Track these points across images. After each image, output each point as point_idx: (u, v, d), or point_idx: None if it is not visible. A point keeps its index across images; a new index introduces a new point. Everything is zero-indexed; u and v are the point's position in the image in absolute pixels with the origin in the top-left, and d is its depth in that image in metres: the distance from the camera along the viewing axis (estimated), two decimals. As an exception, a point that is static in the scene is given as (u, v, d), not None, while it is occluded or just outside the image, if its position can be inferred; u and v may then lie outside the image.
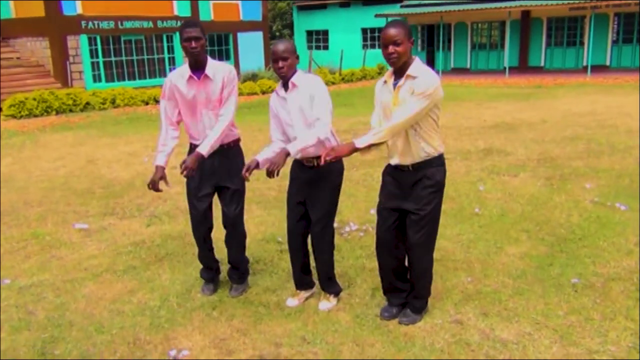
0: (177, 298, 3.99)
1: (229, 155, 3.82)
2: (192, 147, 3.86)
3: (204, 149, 3.62)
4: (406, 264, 3.60)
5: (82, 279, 4.36)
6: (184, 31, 3.60)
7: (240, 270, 4.08)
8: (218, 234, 4.11)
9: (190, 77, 3.70)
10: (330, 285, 3.85)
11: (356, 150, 3.16)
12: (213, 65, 3.72)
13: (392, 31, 3.13)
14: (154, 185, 3.74)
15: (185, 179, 3.78)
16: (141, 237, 5.27)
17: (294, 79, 3.51)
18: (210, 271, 4.12)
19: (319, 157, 3.54)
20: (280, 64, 3.45)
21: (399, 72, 3.23)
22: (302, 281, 3.92)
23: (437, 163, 3.32)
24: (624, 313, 3.56)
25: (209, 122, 3.76)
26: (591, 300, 3.75)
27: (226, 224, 3.96)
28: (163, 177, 3.75)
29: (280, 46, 3.46)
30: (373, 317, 3.63)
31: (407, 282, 3.65)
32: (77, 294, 4.11)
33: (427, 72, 3.19)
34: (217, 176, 3.84)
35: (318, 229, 3.67)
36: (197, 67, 3.69)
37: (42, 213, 6.14)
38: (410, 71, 3.18)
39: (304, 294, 3.93)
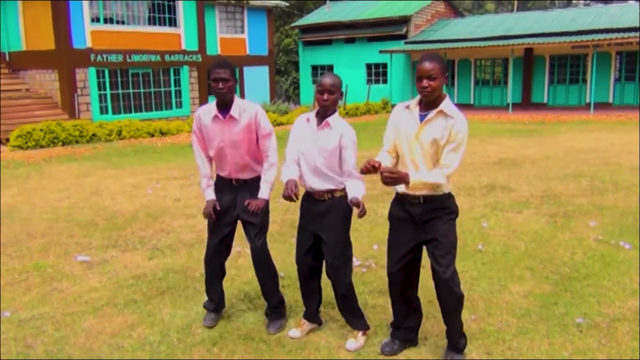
0: (178, 333, 3.96)
1: (251, 189, 3.84)
2: (219, 179, 3.93)
3: (265, 195, 3.81)
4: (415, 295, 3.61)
5: (83, 313, 4.34)
6: (214, 71, 3.65)
7: (271, 305, 4.02)
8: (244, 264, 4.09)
9: (216, 116, 3.75)
10: (359, 321, 3.78)
11: (407, 182, 3.12)
12: (240, 105, 3.76)
13: (428, 65, 3.13)
14: (210, 216, 3.87)
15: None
16: (143, 270, 5.25)
17: (330, 119, 3.56)
18: (213, 302, 4.10)
19: (329, 192, 3.57)
20: (326, 96, 3.51)
21: (428, 104, 3.24)
22: (312, 311, 3.89)
23: (447, 196, 3.34)
24: (629, 355, 3.51)
25: (233, 160, 3.81)
26: (596, 340, 3.70)
27: (254, 258, 3.96)
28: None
29: (329, 79, 3.52)
30: (375, 354, 3.58)
31: (416, 317, 3.66)
32: (76, 328, 4.07)
33: (460, 114, 3.24)
34: (238, 210, 3.86)
35: (334, 259, 3.63)
36: (224, 107, 3.75)
37: (45, 245, 6.14)
38: (443, 107, 3.20)
39: (308, 325, 3.89)
